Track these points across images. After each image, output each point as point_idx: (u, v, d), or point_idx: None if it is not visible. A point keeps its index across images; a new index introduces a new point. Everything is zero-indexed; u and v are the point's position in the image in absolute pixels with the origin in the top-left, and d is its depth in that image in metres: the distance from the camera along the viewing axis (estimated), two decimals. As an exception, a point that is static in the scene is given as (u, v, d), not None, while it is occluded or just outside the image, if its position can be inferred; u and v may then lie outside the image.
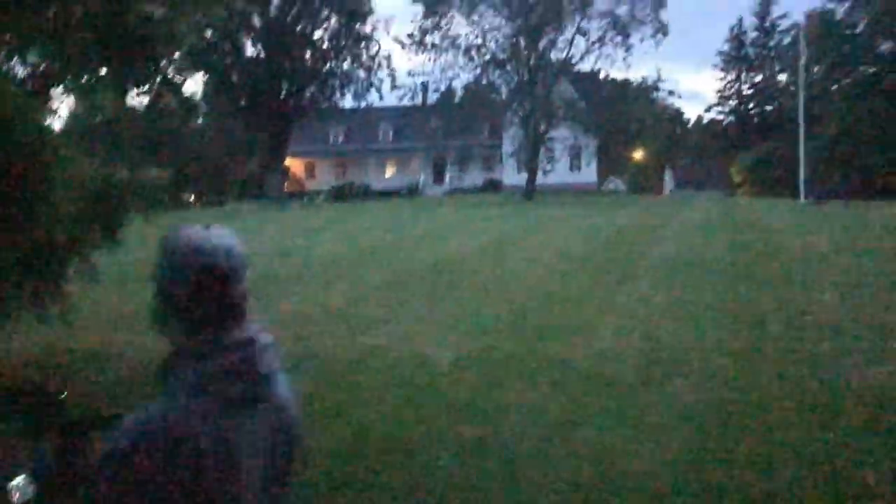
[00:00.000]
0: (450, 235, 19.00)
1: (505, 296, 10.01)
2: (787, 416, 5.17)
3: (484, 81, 44.56)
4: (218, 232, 1.47)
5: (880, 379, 5.88)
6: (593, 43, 42.51)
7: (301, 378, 6.28)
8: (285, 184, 48.87)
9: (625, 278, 11.21)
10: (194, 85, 46.69)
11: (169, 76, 4.74)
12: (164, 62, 4.68)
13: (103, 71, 4.80)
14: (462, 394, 5.85)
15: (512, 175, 52.01)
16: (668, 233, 18.13)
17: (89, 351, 7.30)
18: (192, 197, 48.34)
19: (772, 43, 76.06)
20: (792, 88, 55.78)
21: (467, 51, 43.22)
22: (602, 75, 46.51)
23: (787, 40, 68.97)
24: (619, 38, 42.09)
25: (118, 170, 6.79)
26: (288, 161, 51.21)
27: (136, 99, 5.94)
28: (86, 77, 4.84)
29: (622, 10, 41.50)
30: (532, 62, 42.65)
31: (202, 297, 1.40)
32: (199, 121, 48.99)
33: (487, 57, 43.26)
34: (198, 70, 36.23)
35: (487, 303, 9.56)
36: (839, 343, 7.04)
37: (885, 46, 48.11)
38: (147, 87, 4.96)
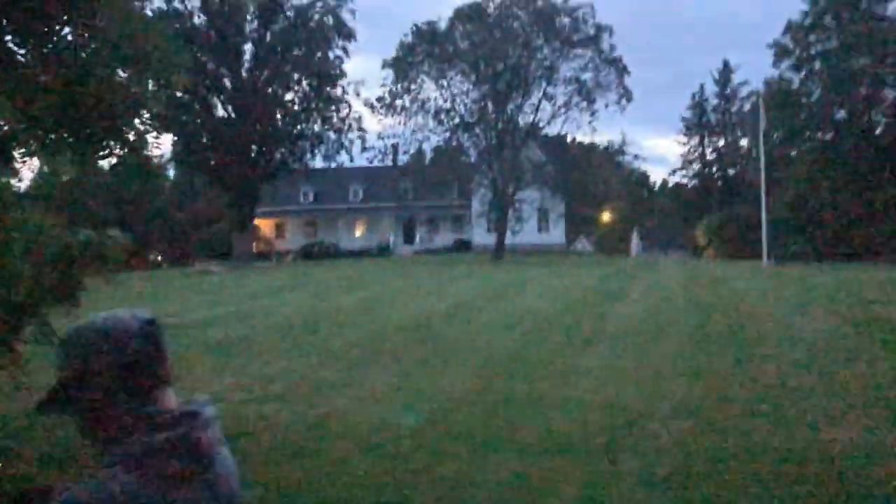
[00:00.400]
0: (417, 296, 18.97)
1: (470, 359, 9.98)
2: (750, 480, 5.16)
3: (453, 144, 45.21)
4: (127, 312, 1.46)
5: (842, 440, 5.92)
6: (559, 108, 43.62)
7: (261, 445, 6.16)
8: (254, 243, 48.71)
9: (590, 341, 11.26)
10: (163, 145, 46.61)
11: (132, 140, 4.75)
12: (126, 126, 4.69)
13: (65, 133, 4.80)
14: (425, 461, 5.77)
15: (482, 235, 52.43)
16: (635, 294, 18.31)
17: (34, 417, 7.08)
18: (160, 257, 47.87)
19: (733, 109, 78.55)
20: (753, 154, 57.44)
21: (437, 114, 44.05)
22: (569, 139, 47.58)
23: (747, 107, 71.32)
24: (584, 104, 43.25)
25: (79, 230, 6.73)
26: (257, 220, 51.15)
27: (104, 161, 5.95)
28: (48, 140, 4.83)
29: (587, 77, 42.77)
30: (500, 126, 43.47)
31: (127, 374, 1.38)
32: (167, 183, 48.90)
33: (456, 120, 44.08)
34: (166, 131, 36.39)
35: (453, 367, 9.51)
36: (801, 405, 7.10)
37: (840, 115, 49.89)
38: (108, 150, 4.95)
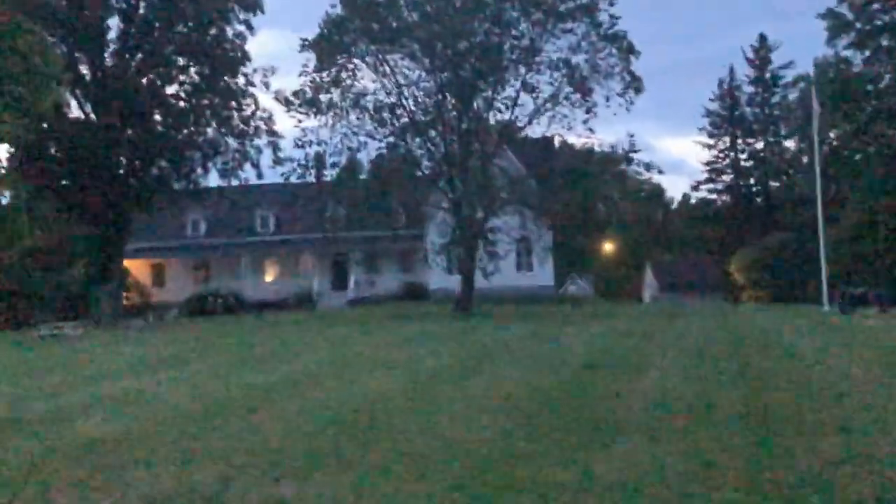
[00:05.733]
0: (358, 370, 18.76)
1: (441, 464, 9.77)
2: None
3: (400, 151, 45.19)
4: None
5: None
6: (545, 102, 43.88)
7: None
8: (123, 295, 47.86)
9: (606, 432, 11.15)
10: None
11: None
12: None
13: None
14: None
15: (441, 277, 52.40)
16: (658, 363, 18.34)
17: None
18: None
19: (774, 100, 79.65)
20: (805, 159, 58.63)
21: (377, 111, 44.06)
22: (557, 143, 47.85)
23: (793, 97, 72.33)
24: (577, 96, 43.51)
25: None
26: (126, 262, 50.40)
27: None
28: None
29: (580, 59, 43.08)
30: (464, 126, 43.62)
31: None
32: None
33: (405, 120, 44.14)
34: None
35: (421, 475, 9.30)
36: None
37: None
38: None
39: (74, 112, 42.35)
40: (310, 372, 18.75)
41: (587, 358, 19.51)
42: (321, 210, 47.69)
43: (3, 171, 40.30)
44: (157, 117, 43.69)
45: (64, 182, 41.94)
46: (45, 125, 39.12)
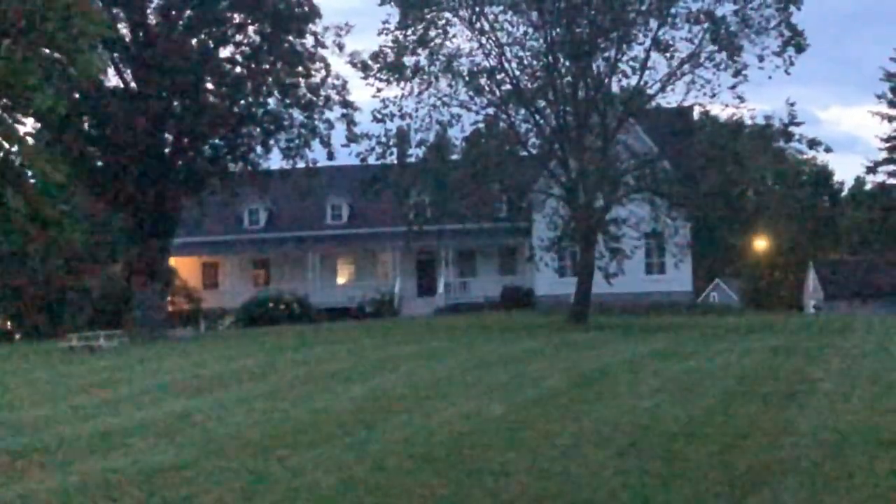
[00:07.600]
0: (446, 396, 18.70)
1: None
2: None
3: (501, 125, 45.04)
4: None
5: None
6: (682, 63, 43.27)
7: None
8: (168, 299, 48.61)
9: (766, 476, 10.91)
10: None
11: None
12: None
13: None
14: None
15: (549, 280, 52.19)
16: (826, 388, 17.94)
17: None
18: (9, 323, 48.09)
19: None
20: None
21: (472, 77, 43.90)
22: (697, 115, 47.11)
23: None
24: (722, 55, 42.80)
25: None
26: (173, 260, 51.13)
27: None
28: None
29: (726, 10, 42.33)
30: (580, 94, 43.29)
31: None
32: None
33: (507, 87, 43.97)
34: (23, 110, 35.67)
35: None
36: None
37: None
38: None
39: (111, 80, 42.81)
40: (390, 394, 18.75)
41: (735, 382, 19.20)
42: (404, 197, 47.75)
43: (35, 152, 40.80)
44: (209, 86, 44.07)
45: (99, 164, 42.60)
46: (76, 95, 39.57)
